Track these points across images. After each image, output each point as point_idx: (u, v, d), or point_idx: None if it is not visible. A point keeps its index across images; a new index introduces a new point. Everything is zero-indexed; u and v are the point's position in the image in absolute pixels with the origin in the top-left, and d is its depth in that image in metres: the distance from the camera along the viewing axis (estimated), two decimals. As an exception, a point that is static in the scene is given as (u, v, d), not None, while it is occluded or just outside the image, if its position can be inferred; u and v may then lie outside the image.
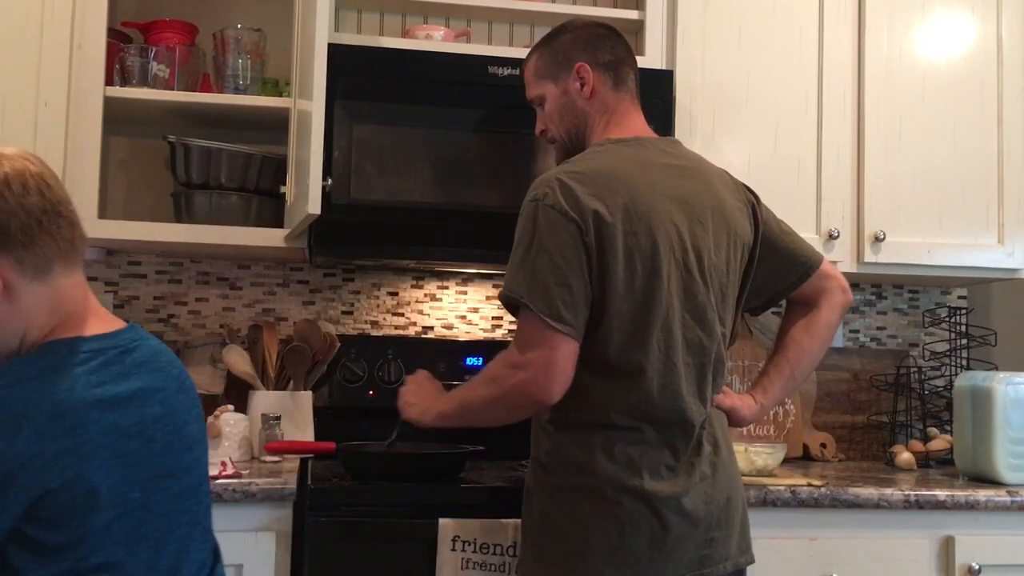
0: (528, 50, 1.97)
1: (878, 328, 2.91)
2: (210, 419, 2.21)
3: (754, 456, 2.21)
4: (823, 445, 2.65)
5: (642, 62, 2.41)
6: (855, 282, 2.85)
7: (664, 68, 2.44)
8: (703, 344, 1.71)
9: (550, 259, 1.63)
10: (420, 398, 1.93)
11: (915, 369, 2.74)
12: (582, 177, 1.68)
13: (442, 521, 1.87)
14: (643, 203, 1.68)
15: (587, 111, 1.85)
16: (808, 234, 2.46)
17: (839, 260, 2.47)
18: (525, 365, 1.64)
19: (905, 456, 2.52)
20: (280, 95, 2.42)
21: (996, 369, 2.61)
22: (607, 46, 1.87)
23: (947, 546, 2.12)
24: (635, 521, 1.64)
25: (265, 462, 2.21)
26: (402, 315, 2.68)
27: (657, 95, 2.36)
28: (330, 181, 2.08)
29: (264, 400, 2.33)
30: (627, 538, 1.63)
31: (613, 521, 1.64)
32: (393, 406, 2.46)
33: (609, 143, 1.80)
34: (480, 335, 2.69)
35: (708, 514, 1.69)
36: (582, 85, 1.84)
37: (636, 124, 1.86)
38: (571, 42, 1.88)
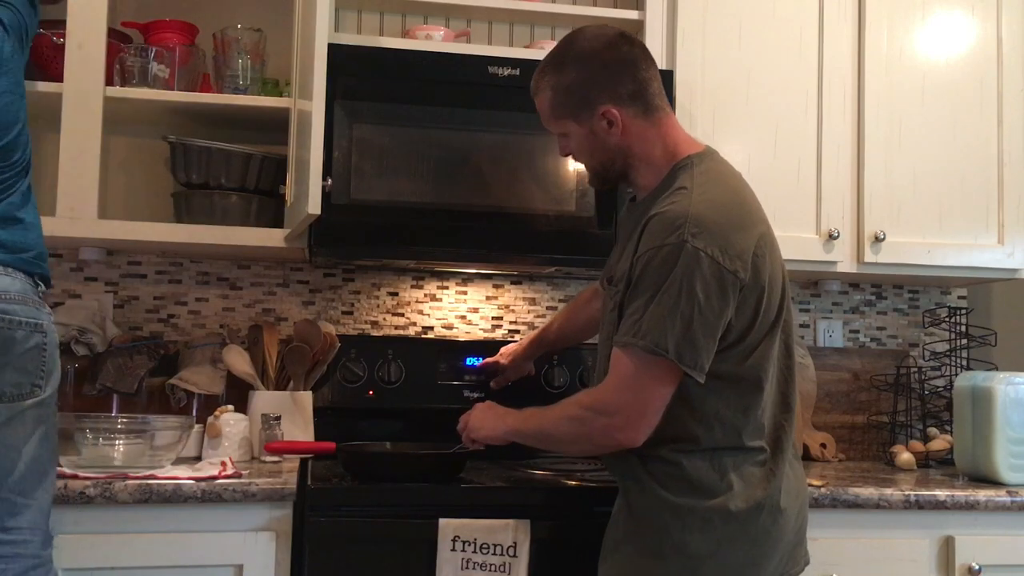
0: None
1: (878, 328, 2.91)
2: (210, 419, 2.22)
3: (754, 456, 2.21)
4: (823, 445, 2.65)
5: (642, 62, 2.42)
6: (855, 282, 2.85)
7: (664, 68, 2.43)
8: (789, 355, 1.76)
9: (700, 312, 1.58)
10: (486, 420, 1.92)
11: (915, 369, 2.74)
12: (721, 210, 1.64)
13: (442, 521, 1.87)
14: (767, 227, 1.72)
15: (622, 145, 1.75)
16: (808, 234, 2.47)
17: (839, 260, 2.48)
18: (615, 411, 1.64)
19: (905, 456, 2.52)
20: (280, 95, 2.42)
21: (996, 369, 2.61)
22: (627, 75, 1.73)
23: (947, 546, 2.11)
24: (772, 536, 1.67)
25: (265, 462, 2.21)
26: (402, 315, 2.68)
27: (657, 95, 2.37)
28: (330, 181, 2.08)
29: (264, 400, 2.33)
30: (761, 553, 1.67)
31: (749, 539, 1.66)
32: (393, 407, 2.46)
33: (700, 162, 1.74)
34: (480, 335, 2.69)
35: (798, 515, 1.75)
36: (610, 125, 1.73)
37: (684, 134, 1.81)
38: (587, 82, 1.73)
